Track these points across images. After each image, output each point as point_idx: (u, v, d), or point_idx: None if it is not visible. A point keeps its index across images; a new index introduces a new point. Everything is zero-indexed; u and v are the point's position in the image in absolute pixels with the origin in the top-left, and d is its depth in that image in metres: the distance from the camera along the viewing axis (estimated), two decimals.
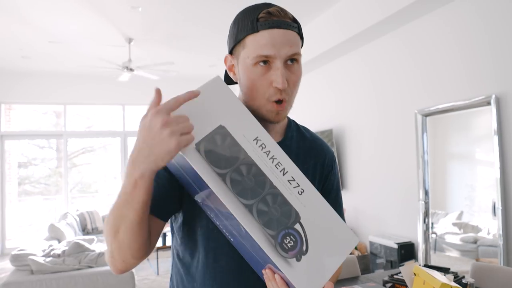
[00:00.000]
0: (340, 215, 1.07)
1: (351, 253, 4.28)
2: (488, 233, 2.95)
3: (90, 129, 7.63)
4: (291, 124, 1.04)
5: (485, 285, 2.04)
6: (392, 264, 3.67)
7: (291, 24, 0.85)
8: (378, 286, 1.90)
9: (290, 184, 0.73)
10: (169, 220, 0.93)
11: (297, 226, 0.70)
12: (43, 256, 3.87)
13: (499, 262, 2.77)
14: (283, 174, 0.73)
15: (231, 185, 0.68)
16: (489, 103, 2.98)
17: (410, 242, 3.65)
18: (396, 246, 3.61)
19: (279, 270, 0.67)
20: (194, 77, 7.47)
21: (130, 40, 5.26)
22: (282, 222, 0.69)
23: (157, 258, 4.82)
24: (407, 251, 3.60)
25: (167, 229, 5.95)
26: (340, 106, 5.01)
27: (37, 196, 7.51)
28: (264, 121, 0.88)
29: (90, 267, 3.80)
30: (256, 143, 0.72)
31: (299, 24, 0.89)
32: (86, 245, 4.02)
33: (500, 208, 2.82)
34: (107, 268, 3.74)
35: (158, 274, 4.73)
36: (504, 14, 2.89)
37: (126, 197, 0.72)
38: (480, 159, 3.14)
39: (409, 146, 3.79)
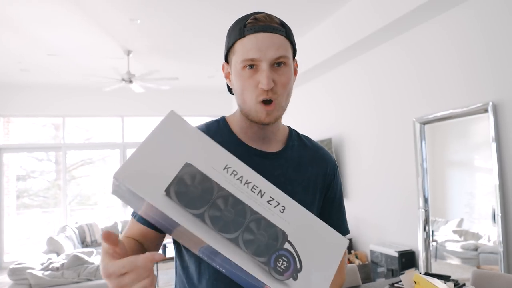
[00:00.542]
0: (343, 223, 1.08)
1: (352, 262, 4.25)
2: (489, 240, 2.95)
3: (89, 141, 7.63)
4: (292, 133, 1.05)
5: None
6: (393, 273, 3.65)
7: (277, 28, 0.87)
8: None
9: (270, 204, 0.70)
10: None
11: (287, 245, 0.68)
12: (41, 269, 3.84)
13: (500, 269, 2.76)
14: (261, 196, 0.70)
15: (212, 223, 0.65)
16: (486, 110, 3.00)
17: (410, 250, 3.64)
18: (396, 255, 3.59)
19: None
20: (194, 88, 7.50)
21: (129, 52, 5.29)
22: (271, 245, 0.67)
23: (157, 270, 4.79)
24: (407, 259, 3.58)
25: (167, 240, 5.92)
26: (339, 115, 5.03)
27: (36, 209, 7.47)
28: (257, 123, 0.91)
29: (90, 280, 3.77)
30: (227, 172, 0.69)
31: (288, 29, 0.90)
32: (85, 257, 4.00)
33: (500, 214, 2.82)
34: None
35: (158, 286, 4.69)
36: (501, 22, 2.92)
37: None
38: (479, 166, 3.15)
39: (408, 154, 3.80)
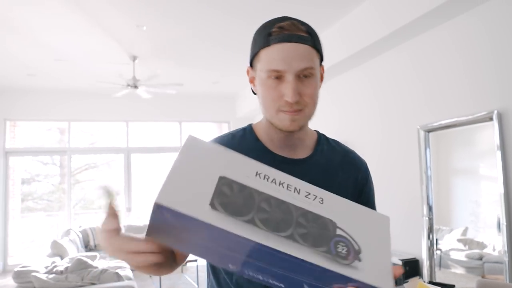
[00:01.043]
0: None
1: None
2: (494, 250, 2.93)
3: (93, 146, 7.67)
4: (321, 138, 1.04)
5: None
6: (397, 281, 3.63)
7: (304, 37, 0.84)
8: None
9: (309, 198, 0.72)
10: None
11: (338, 232, 0.69)
12: (45, 273, 3.86)
13: (505, 279, 2.74)
14: (298, 193, 0.72)
15: (264, 225, 0.65)
16: (491, 119, 2.99)
17: (414, 258, 3.62)
18: (400, 263, 3.57)
19: (354, 280, 0.65)
20: (198, 93, 7.53)
21: (134, 58, 5.33)
22: (325, 234, 0.68)
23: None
24: (411, 268, 3.56)
25: None
26: (343, 121, 5.03)
27: (40, 213, 7.50)
28: (281, 131, 0.90)
29: (93, 283, 3.78)
30: (260, 177, 0.71)
31: (314, 36, 0.87)
32: (89, 261, 4.01)
33: (505, 224, 2.80)
34: (110, 284, 3.72)
35: None
36: (506, 30, 2.93)
37: None
38: (484, 174, 3.14)
39: (412, 161, 3.79)
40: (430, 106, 3.61)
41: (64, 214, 7.16)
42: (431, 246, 3.48)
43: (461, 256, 3.20)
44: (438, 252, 3.42)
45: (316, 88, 0.88)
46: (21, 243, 7.00)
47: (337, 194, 0.84)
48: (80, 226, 6.51)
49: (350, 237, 0.69)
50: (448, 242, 3.35)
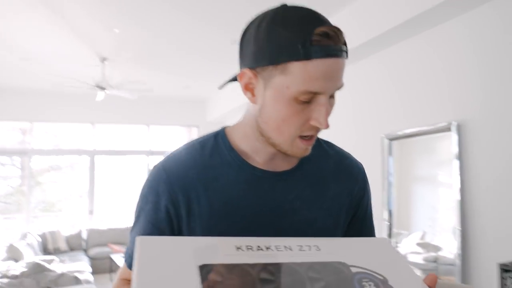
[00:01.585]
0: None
1: None
2: (449, 253, 3.05)
3: (57, 147, 7.43)
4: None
5: None
6: None
7: (345, 49, 0.68)
8: None
9: (304, 250, 0.65)
10: None
11: (353, 269, 0.64)
12: None
13: (456, 279, 2.87)
14: (291, 250, 0.64)
15: None
16: (450, 129, 3.13)
17: None
18: None
19: None
20: (168, 97, 7.46)
21: (103, 60, 5.23)
22: (344, 277, 0.62)
23: (111, 280, 4.67)
24: None
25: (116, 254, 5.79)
26: None
27: None
28: (285, 154, 0.75)
29: None
30: (243, 250, 0.62)
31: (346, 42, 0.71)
32: (46, 265, 3.86)
33: (459, 228, 2.93)
34: None
35: None
36: (466, 48, 3.08)
37: None
38: (442, 182, 3.27)
39: (375, 168, 3.90)
40: (395, 116, 3.74)
41: (22, 217, 6.87)
42: None
43: (418, 258, 3.31)
44: None
45: (332, 109, 0.74)
46: None
47: (329, 211, 0.79)
48: (39, 230, 6.26)
49: (367, 269, 0.64)
50: (407, 246, 3.46)
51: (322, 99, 0.67)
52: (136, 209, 0.80)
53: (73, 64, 5.44)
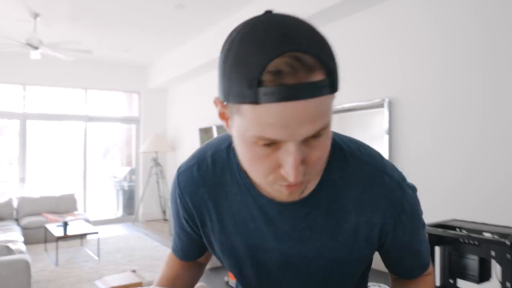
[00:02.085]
0: (416, 266, 0.79)
1: None
2: None
3: None
4: (333, 160, 0.69)
5: None
6: None
7: (317, 84, 0.50)
8: None
9: None
10: None
11: None
12: None
13: None
14: None
15: None
16: (383, 105, 3.33)
17: None
18: None
19: None
20: (107, 60, 7.11)
21: (36, 16, 4.84)
22: None
23: (57, 248, 4.55)
24: None
25: (69, 218, 5.63)
26: None
27: None
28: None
29: None
30: None
31: (334, 66, 0.53)
32: None
33: None
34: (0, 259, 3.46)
35: (57, 265, 4.46)
36: (397, 32, 3.24)
37: None
38: None
39: None
40: None
41: None
42: None
43: None
44: None
45: (326, 146, 0.58)
46: None
47: (345, 243, 0.69)
48: None
49: None
50: None
51: (289, 147, 0.53)
52: None
53: (0, 18, 4.98)
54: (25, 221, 5.64)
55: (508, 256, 1.16)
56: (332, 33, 3.91)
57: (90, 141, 7.22)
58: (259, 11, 4.41)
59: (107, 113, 7.49)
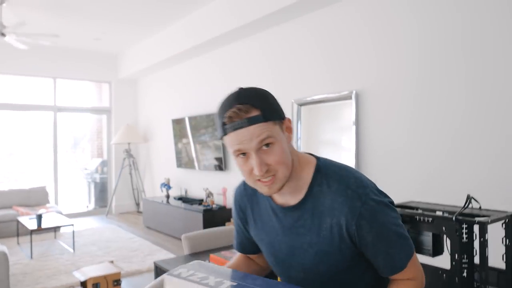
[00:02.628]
0: (386, 264, 0.99)
1: None
2: None
3: None
4: (318, 177, 1.02)
5: None
6: None
7: (252, 118, 0.92)
8: None
9: None
10: None
11: None
12: None
13: None
14: None
15: None
16: (351, 97, 3.51)
17: None
18: None
19: None
20: (77, 49, 6.98)
21: (1, 1, 4.71)
22: None
23: (31, 241, 4.53)
24: None
25: (42, 211, 5.58)
26: (227, 91, 5.25)
27: None
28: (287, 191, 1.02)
29: None
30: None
31: (266, 108, 0.94)
32: None
33: None
34: None
35: (31, 258, 4.45)
36: (364, 26, 3.42)
37: None
38: (344, 146, 3.68)
39: None
40: (304, 83, 4.04)
41: None
42: None
43: None
44: None
45: (281, 152, 0.95)
46: None
47: (325, 239, 0.99)
48: None
49: None
50: None
51: (251, 154, 0.93)
52: None
53: None
54: None
55: (455, 230, 1.34)
56: (302, 26, 4.05)
57: (60, 132, 7.10)
58: (228, 3, 4.48)
59: (77, 103, 7.38)
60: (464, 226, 1.35)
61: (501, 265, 1.48)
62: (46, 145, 7.05)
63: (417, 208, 1.59)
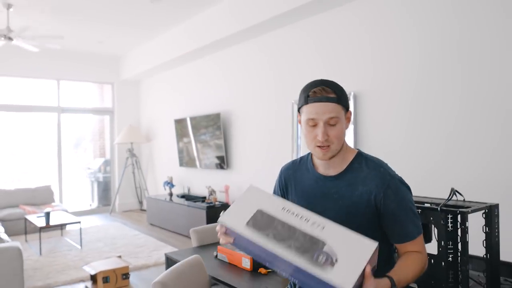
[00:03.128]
0: (401, 231, 1.25)
1: None
2: None
3: None
4: (357, 158, 1.32)
5: None
6: None
7: (330, 97, 1.22)
8: None
9: (313, 225, 1.10)
10: None
11: (326, 248, 1.04)
12: None
13: None
14: (307, 222, 1.11)
15: (274, 236, 1.08)
16: (349, 98, 3.66)
17: None
18: None
19: (318, 277, 0.98)
20: (80, 51, 7.12)
21: (9, 6, 4.85)
22: (313, 248, 1.04)
23: (40, 238, 4.68)
24: None
25: (49, 209, 5.72)
26: (229, 92, 5.42)
27: None
28: (328, 162, 1.30)
29: None
30: (284, 211, 1.14)
31: (340, 95, 1.24)
32: None
33: None
34: None
35: (40, 254, 4.60)
36: (364, 30, 3.58)
37: None
38: None
39: (287, 132, 4.38)
40: (303, 84, 4.17)
41: None
42: None
43: None
44: None
45: (340, 131, 1.24)
46: None
47: (355, 204, 1.25)
48: None
49: (333, 252, 1.03)
50: None
51: (320, 124, 1.22)
52: None
53: None
54: (3, 213, 5.69)
55: (441, 220, 1.50)
56: (301, 30, 4.20)
57: (63, 132, 7.25)
58: (230, 7, 4.63)
59: (80, 104, 7.52)
60: (449, 216, 1.51)
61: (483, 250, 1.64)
62: (50, 146, 7.20)
63: None
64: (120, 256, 3.97)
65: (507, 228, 2.29)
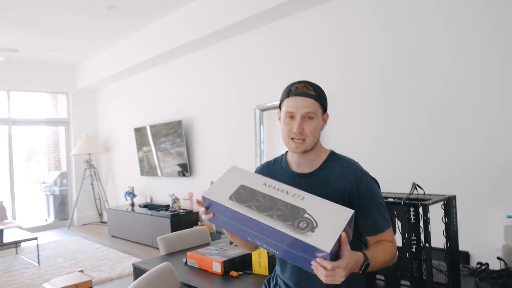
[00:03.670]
0: (373, 223, 1.34)
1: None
2: None
3: None
4: (330, 158, 1.40)
5: None
6: None
7: (310, 94, 1.32)
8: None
9: (293, 197, 1.19)
10: None
11: (306, 215, 1.12)
12: None
13: None
14: (287, 194, 1.20)
15: (256, 208, 1.14)
16: None
17: None
18: None
19: (299, 240, 1.06)
20: (32, 60, 6.80)
21: None
22: (295, 216, 1.12)
23: None
24: None
25: (0, 226, 5.42)
26: (189, 99, 5.38)
27: None
28: (292, 153, 1.38)
29: None
30: (265, 185, 1.23)
31: (319, 94, 1.33)
32: None
33: None
34: None
35: None
36: (326, 34, 3.69)
37: None
38: None
39: (249, 136, 4.41)
40: (265, 89, 4.25)
41: None
42: None
43: None
44: None
45: (315, 127, 1.32)
46: None
47: (330, 199, 1.25)
48: None
49: (313, 218, 1.12)
50: None
51: (297, 117, 1.31)
52: None
53: None
54: None
55: (404, 213, 1.58)
56: (262, 35, 4.26)
57: (15, 145, 6.89)
58: (187, 15, 4.63)
59: (33, 115, 7.19)
60: (412, 209, 1.59)
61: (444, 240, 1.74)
62: (0, 160, 6.82)
63: None
64: (82, 271, 3.82)
65: (463, 219, 2.43)
